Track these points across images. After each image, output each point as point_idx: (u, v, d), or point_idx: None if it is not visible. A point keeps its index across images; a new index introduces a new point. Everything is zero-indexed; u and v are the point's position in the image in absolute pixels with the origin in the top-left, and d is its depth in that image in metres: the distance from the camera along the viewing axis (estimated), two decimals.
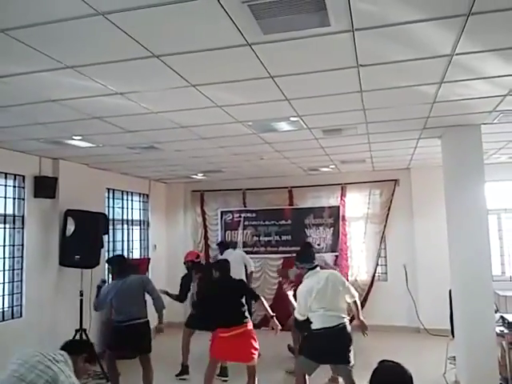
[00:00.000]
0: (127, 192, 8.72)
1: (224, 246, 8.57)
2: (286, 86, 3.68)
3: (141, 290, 5.25)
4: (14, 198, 6.06)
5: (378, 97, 4.06)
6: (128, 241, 8.69)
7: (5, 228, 5.89)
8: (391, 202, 8.70)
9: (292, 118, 4.71)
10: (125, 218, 8.65)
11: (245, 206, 9.48)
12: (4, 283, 5.84)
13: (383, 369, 2.21)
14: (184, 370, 6.21)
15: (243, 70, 3.34)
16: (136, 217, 9.04)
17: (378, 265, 8.77)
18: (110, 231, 7.74)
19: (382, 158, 7.36)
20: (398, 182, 8.71)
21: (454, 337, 5.69)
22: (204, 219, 9.73)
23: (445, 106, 4.40)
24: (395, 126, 5.21)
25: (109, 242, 7.88)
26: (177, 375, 6.17)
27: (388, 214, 8.70)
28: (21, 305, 5.99)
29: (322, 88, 3.81)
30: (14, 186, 6.07)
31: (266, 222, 9.28)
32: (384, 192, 8.77)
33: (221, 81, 3.56)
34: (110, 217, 7.90)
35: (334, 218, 8.91)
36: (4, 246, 5.87)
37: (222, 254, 8.21)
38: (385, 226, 8.71)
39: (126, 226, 8.66)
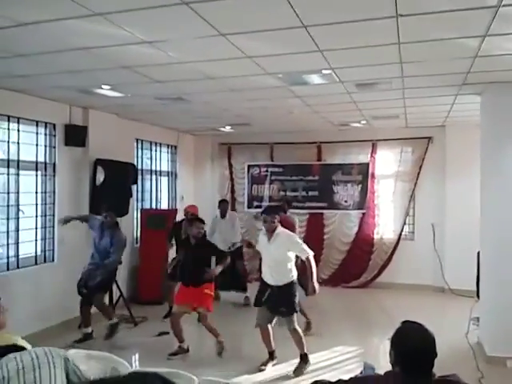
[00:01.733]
0: (156, 143, 8.75)
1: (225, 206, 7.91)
2: (319, 36, 3.51)
3: None
4: (46, 146, 6.15)
5: (416, 49, 3.85)
6: (156, 191, 8.81)
7: (37, 175, 6.02)
8: (423, 160, 8.48)
9: (324, 71, 4.54)
10: (153, 168, 8.73)
11: (272, 161, 9.42)
12: (37, 228, 6.04)
13: (406, 329, 2.19)
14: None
15: (275, 18, 3.18)
16: (164, 168, 9.11)
17: (405, 224, 8.68)
18: (139, 181, 7.84)
19: (417, 114, 7.10)
20: (431, 139, 8.45)
21: (478, 298, 5.66)
22: (231, 172, 9.73)
23: (487, 60, 4.15)
24: (433, 80, 4.98)
25: (137, 191, 8.01)
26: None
27: (419, 173, 8.51)
28: (53, 250, 6.21)
29: (358, 39, 3.63)
30: (45, 134, 6.15)
31: (293, 177, 9.23)
32: (416, 150, 8.54)
33: (251, 30, 3.42)
34: (139, 167, 7.98)
35: (363, 175, 8.78)
36: (36, 192, 6.02)
37: (222, 217, 7.72)
38: (415, 185, 8.54)
39: (154, 177, 8.76)
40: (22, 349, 2.32)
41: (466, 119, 7.32)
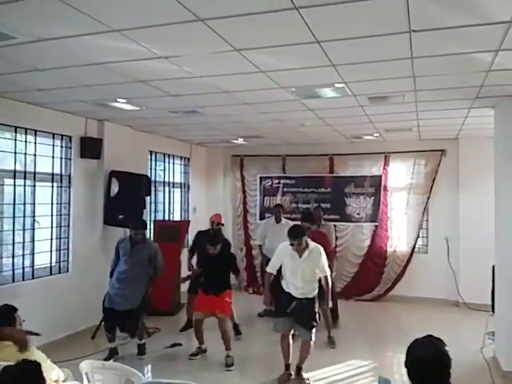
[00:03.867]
0: (169, 155, 8.84)
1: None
2: (332, 51, 3.55)
3: None
4: (61, 158, 6.26)
5: (429, 64, 3.87)
6: (169, 203, 8.88)
7: (52, 186, 6.12)
8: (436, 172, 8.44)
9: (337, 85, 4.58)
10: (166, 180, 8.81)
11: (284, 173, 9.44)
12: (52, 239, 6.12)
13: (419, 343, 2.19)
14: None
15: (289, 34, 3.23)
16: (177, 179, 9.19)
17: (418, 236, 8.61)
18: (152, 193, 7.91)
19: (430, 127, 7.09)
20: (444, 152, 8.41)
21: (494, 312, 5.59)
22: (243, 184, 9.76)
23: (501, 74, 4.14)
24: (446, 94, 4.98)
25: (151, 203, 8.08)
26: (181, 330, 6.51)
27: (432, 186, 8.46)
28: (67, 260, 6.28)
29: (371, 54, 3.66)
30: (62, 146, 6.26)
31: (305, 190, 9.23)
32: (429, 162, 8.50)
33: (265, 45, 3.47)
34: (152, 179, 8.05)
35: (376, 187, 8.75)
36: (52, 203, 6.11)
37: (278, 222, 7.58)
38: (428, 198, 8.49)
39: (167, 189, 8.83)
40: (33, 364, 2.29)
41: (480, 132, 7.29)
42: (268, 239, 7.47)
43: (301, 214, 6.58)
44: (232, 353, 5.39)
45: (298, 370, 4.96)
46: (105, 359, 5.22)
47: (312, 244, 4.83)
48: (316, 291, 4.89)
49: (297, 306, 4.78)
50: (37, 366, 2.23)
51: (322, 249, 4.90)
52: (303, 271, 4.78)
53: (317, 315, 4.88)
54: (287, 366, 4.98)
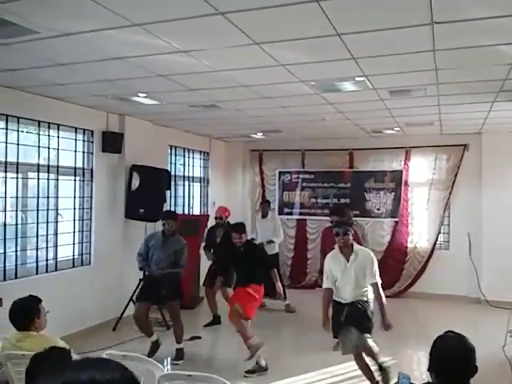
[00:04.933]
0: (189, 149, 8.89)
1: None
2: (353, 44, 3.51)
3: None
4: (84, 152, 6.35)
5: (452, 56, 3.80)
6: (188, 197, 8.94)
7: (75, 180, 6.22)
8: (459, 167, 8.29)
9: (357, 78, 4.53)
10: (186, 174, 8.87)
11: (303, 167, 9.40)
12: (74, 232, 6.23)
13: (445, 338, 2.17)
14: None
15: (309, 27, 3.21)
16: (196, 174, 9.24)
17: (440, 232, 8.49)
18: (172, 187, 7.98)
19: (452, 121, 6.97)
20: (467, 146, 8.25)
21: None
22: (262, 179, 9.77)
23: None
24: (469, 87, 4.88)
25: (170, 197, 8.14)
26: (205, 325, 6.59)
27: (454, 181, 8.32)
28: (89, 253, 6.39)
29: (392, 46, 3.61)
30: (84, 141, 6.35)
31: (325, 184, 9.18)
32: (452, 157, 8.36)
33: (285, 39, 3.46)
34: (172, 173, 8.11)
35: (396, 182, 8.65)
36: (74, 197, 6.22)
37: (264, 217, 8.04)
38: (450, 193, 8.36)
39: (186, 183, 8.89)
40: (63, 350, 2.39)
41: (504, 126, 7.14)
42: (258, 234, 7.90)
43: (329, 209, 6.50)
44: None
45: (381, 366, 4.41)
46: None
47: (357, 246, 4.46)
48: (370, 295, 4.37)
49: (349, 310, 4.30)
50: (67, 352, 2.30)
51: (371, 252, 4.49)
52: (353, 276, 4.30)
53: (372, 319, 4.31)
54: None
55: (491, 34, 3.33)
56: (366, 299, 4.35)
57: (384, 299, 4.31)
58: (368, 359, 4.37)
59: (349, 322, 4.26)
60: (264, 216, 8.03)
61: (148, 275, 5.61)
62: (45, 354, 2.20)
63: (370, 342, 4.27)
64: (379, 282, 4.35)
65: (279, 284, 5.36)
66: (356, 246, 4.42)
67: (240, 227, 5.34)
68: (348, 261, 4.33)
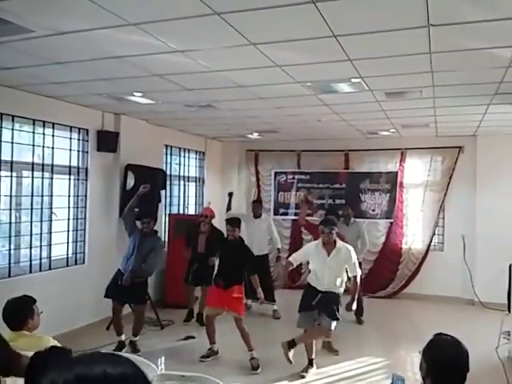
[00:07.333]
0: (184, 149, 8.87)
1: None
2: (349, 45, 3.52)
3: None
4: (79, 151, 6.32)
5: (448, 59, 3.81)
6: (184, 197, 8.93)
7: (69, 179, 6.19)
8: (454, 170, 8.32)
9: (353, 80, 4.53)
10: (181, 174, 8.85)
11: (299, 168, 9.40)
12: (68, 231, 6.21)
13: (439, 341, 2.16)
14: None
15: (305, 28, 3.21)
16: (192, 173, 9.23)
17: (434, 234, 8.52)
18: (167, 187, 7.96)
19: (448, 123, 6.99)
20: (462, 149, 8.29)
21: (510, 312, 5.51)
22: (258, 179, 9.77)
23: None
24: (465, 90, 4.90)
25: (166, 197, 8.12)
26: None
27: (449, 183, 8.36)
28: (83, 252, 6.36)
29: (388, 48, 3.61)
30: (79, 139, 6.33)
31: (320, 185, 9.18)
32: (447, 159, 8.39)
33: (282, 40, 3.46)
34: (168, 173, 8.10)
35: (391, 184, 8.67)
36: (69, 196, 6.19)
37: (255, 217, 7.54)
38: (445, 195, 8.39)
39: (182, 182, 8.88)
40: (64, 349, 2.34)
41: (499, 129, 7.17)
42: (246, 234, 7.09)
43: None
44: (257, 353, 5.15)
45: (310, 361, 5.01)
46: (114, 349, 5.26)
47: (340, 243, 4.96)
48: (342, 289, 4.97)
49: (322, 297, 4.86)
50: (68, 352, 2.28)
51: (351, 248, 4.99)
52: (332, 269, 4.87)
53: (339, 310, 4.90)
54: (311, 361, 5.03)
55: (487, 37, 3.34)
56: (337, 292, 4.92)
57: (358, 287, 5.04)
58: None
59: (319, 308, 4.86)
60: (256, 216, 7.53)
61: (119, 270, 5.63)
62: (47, 353, 2.18)
63: (333, 326, 4.88)
64: (359, 273, 5.02)
65: (260, 290, 5.38)
66: (339, 243, 4.96)
67: (235, 220, 5.49)
68: (329, 255, 4.87)
